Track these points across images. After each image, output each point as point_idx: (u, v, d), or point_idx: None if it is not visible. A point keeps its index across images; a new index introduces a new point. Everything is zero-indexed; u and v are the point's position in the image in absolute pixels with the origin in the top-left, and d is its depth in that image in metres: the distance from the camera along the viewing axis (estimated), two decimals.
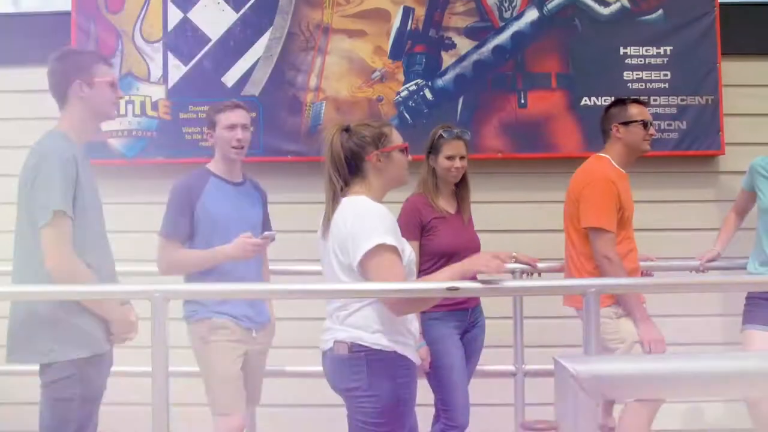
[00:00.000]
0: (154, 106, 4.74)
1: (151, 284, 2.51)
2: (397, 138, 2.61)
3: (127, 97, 4.67)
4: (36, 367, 2.59)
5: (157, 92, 4.75)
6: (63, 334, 2.55)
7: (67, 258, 2.51)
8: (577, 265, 3.40)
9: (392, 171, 2.58)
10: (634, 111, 3.49)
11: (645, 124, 3.47)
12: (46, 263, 2.49)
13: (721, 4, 4.77)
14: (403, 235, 2.60)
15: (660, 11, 4.75)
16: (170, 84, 4.74)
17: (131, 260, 4.46)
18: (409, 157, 2.66)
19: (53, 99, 2.72)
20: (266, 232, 3.22)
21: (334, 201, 2.53)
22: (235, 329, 3.19)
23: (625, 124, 3.47)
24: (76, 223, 2.57)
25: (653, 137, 3.58)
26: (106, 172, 4.65)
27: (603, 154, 3.53)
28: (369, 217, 2.44)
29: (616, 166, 3.47)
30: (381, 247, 2.38)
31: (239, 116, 3.32)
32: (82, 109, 2.67)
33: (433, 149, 3.45)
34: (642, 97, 4.65)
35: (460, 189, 3.53)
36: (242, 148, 3.32)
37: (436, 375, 3.27)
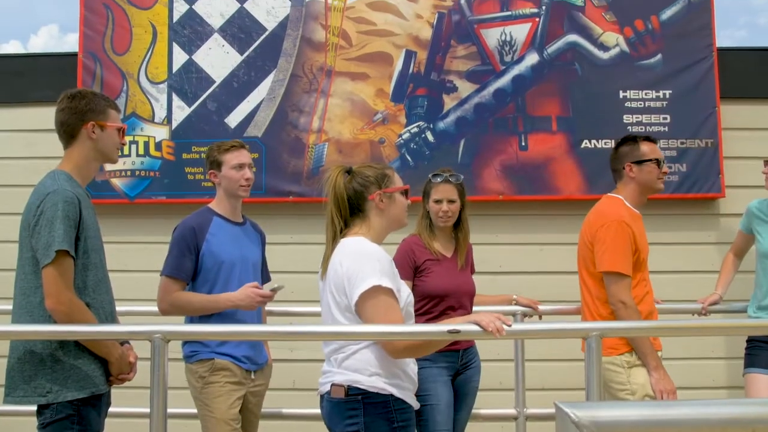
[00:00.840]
0: (158, 146, 4.78)
1: (151, 325, 2.50)
2: (398, 180, 2.63)
3: (131, 138, 4.74)
4: (34, 408, 2.56)
5: (161, 133, 4.79)
6: (61, 375, 2.53)
7: (68, 298, 2.50)
8: (592, 310, 3.29)
9: (393, 212, 2.58)
10: (647, 149, 3.35)
11: (658, 162, 3.35)
12: (46, 303, 2.48)
13: (719, 49, 4.84)
14: None
15: (659, 56, 4.81)
16: (174, 125, 4.79)
17: (132, 299, 4.45)
18: (409, 200, 2.68)
19: (58, 137, 2.72)
20: (276, 285, 3.21)
21: (334, 241, 2.54)
22: (236, 371, 3.16)
23: (638, 163, 3.32)
24: (79, 263, 2.57)
25: (666, 175, 3.47)
26: (108, 211, 4.69)
27: (616, 195, 3.39)
28: (366, 259, 2.43)
29: (630, 206, 3.33)
30: (377, 289, 2.37)
31: (245, 156, 3.35)
32: (89, 150, 2.68)
33: (425, 192, 3.47)
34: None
35: (457, 232, 3.52)
36: (249, 186, 3.35)
37: (422, 415, 3.23)
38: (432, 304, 3.29)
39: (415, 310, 3.13)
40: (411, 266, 3.34)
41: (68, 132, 2.67)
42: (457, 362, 3.36)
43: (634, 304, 3.12)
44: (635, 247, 3.20)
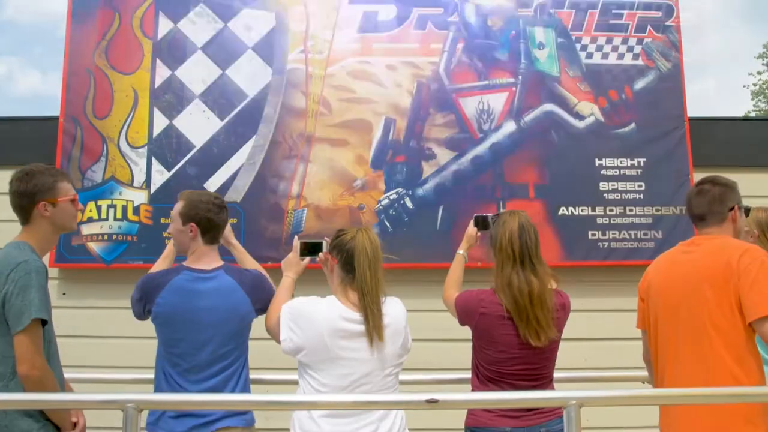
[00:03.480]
0: (136, 210, 4.75)
1: (123, 393, 2.45)
2: None
3: (109, 201, 4.73)
4: None
5: (140, 197, 4.77)
6: None
7: (42, 363, 2.50)
8: (730, 369, 2.59)
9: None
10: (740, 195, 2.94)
11: (747, 211, 3.02)
12: (20, 368, 2.46)
13: (691, 119, 4.94)
14: None
15: (633, 125, 4.91)
16: (153, 189, 4.77)
17: (105, 366, 4.37)
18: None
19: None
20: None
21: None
22: None
23: (741, 207, 2.91)
24: (45, 334, 2.57)
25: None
26: (84, 275, 4.73)
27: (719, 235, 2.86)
28: None
29: None
30: None
31: None
32: (45, 225, 2.71)
33: None
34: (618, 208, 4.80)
35: None
36: None
37: None
38: None
39: None
40: None
41: (22, 213, 2.70)
42: None
43: None
44: None
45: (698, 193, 2.92)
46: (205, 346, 2.82)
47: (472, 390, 2.86)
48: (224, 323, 2.85)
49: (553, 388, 2.85)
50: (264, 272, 3.08)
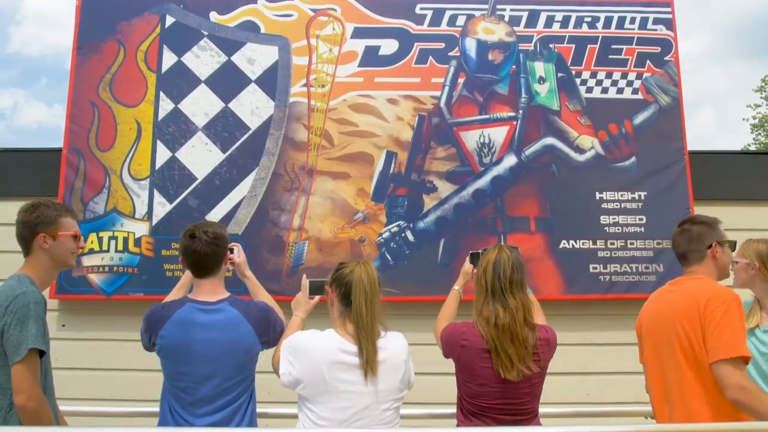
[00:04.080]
0: (137, 242, 4.75)
1: (124, 428, 2.44)
2: None
3: (110, 233, 4.74)
4: None
5: (141, 229, 4.77)
6: None
7: (39, 395, 2.51)
8: (713, 403, 2.71)
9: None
10: (722, 231, 3.01)
11: (733, 244, 3.06)
12: (17, 399, 2.47)
13: (691, 152, 4.96)
14: None
15: (633, 158, 4.93)
16: (154, 221, 4.78)
17: (107, 399, 4.33)
18: None
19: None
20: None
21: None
22: None
23: (721, 244, 2.97)
24: (42, 365, 2.59)
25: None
26: (84, 307, 4.72)
27: (702, 276, 2.94)
28: None
29: None
30: None
31: None
32: (45, 258, 2.75)
33: None
34: (619, 241, 4.79)
35: None
36: None
37: None
38: None
39: None
40: None
41: (23, 243, 2.77)
42: None
43: (755, 386, 2.71)
44: None
45: (680, 233, 3.02)
46: (208, 379, 2.77)
47: (458, 425, 2.85)
48: (228, 356, 2.79)
49: (538, 424, 2.83)
50: (274, 305, 3.06)
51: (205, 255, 2.84)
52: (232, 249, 3.15)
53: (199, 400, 2.77)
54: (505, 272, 2.80)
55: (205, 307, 2.83)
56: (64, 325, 4.73)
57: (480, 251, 3.09)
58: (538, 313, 3.05)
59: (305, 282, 3.01)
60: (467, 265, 3.32)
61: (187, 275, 3.17)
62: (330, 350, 2.57)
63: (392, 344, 2.67)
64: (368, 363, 2.56)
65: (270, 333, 2.90)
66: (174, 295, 3.14)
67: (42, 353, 2.57)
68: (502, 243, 4.68)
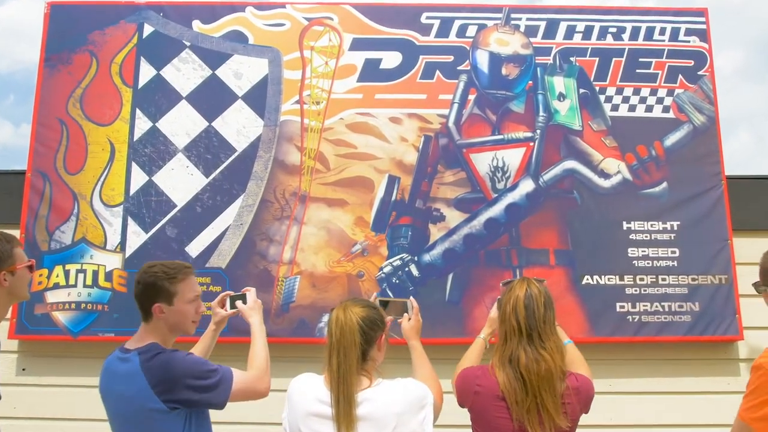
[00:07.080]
0: (108, 276, 4.43)
1: None
2: None
3: (78, 266, 4.45)
4: None
5: (113, 261, 4.46)
6: None
7: None
8: None
9: None
10: None
11: None
12: None
13: (729, 178, 4.65)
14: None
15: (664, 184, 4.62)
16: (128, 252, 4.47)
17: None
18: None
19: None
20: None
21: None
22: None
23: None
24: None
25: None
26: (48, 349, 4.46)
27: None
28: None
29: None
30: None
31: (196, 285, 2.84)
32: (3, 296, 2.59)
33: None
34: (649, 277, 4.49)
35: None
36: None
37: None
38: None
39: None
40: None
41: None
42: None
43: None
44: None
45: None
46: None
47: None
48: (124, 414, 2.56)
49: None
50: (260, 358, 2.80)
51: (137, 298, 2.71)
52: (244, 295, 3.03)
53: None
54: (539, 310, 2.62)
55: (122, 355, 2.64)
56: (24, 369, 4.41)
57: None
58: (579, 362, 2.82)
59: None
60: (494, 312, 2.98)
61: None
62: (307, 400, 2.43)
63: (382, 396, 2.39)
64: (341, 416, 2.35)
65: (173, 392, 2.50)
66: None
67: None
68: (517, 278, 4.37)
